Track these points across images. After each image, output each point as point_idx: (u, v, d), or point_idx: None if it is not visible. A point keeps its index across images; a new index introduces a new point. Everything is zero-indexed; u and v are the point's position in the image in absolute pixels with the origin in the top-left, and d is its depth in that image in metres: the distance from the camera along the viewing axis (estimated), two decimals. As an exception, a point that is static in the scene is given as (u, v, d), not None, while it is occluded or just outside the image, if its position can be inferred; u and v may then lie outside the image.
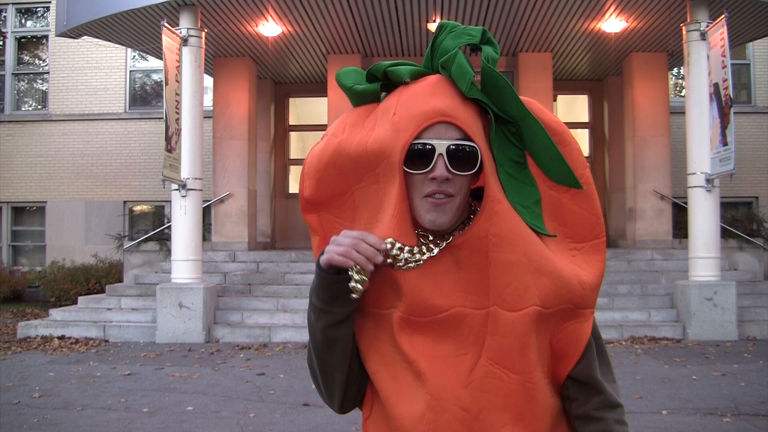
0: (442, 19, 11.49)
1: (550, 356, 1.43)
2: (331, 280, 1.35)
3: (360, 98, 1.50)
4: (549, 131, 1.44)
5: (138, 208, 16.88)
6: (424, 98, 1.38)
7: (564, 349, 1.42)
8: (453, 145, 1.35)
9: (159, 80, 16.19)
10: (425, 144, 1.35)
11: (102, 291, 12.62)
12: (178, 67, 10.16)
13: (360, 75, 1.50)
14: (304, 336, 9.84)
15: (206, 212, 12.58)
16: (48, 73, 17.19)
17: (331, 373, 1.45)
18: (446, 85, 1.40)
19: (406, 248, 1.36)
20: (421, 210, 1.38)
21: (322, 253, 1.35)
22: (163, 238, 13.35)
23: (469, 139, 1.36)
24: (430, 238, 1.41)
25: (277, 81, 15.74)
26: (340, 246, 1.32)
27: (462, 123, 1.36)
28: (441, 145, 1.35)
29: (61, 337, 10.22)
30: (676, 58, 13.33)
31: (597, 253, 1.48)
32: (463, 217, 1.42)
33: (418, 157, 1.36)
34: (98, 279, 13.59)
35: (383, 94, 1.49)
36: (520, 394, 1.37)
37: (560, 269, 1.39)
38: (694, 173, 9.95)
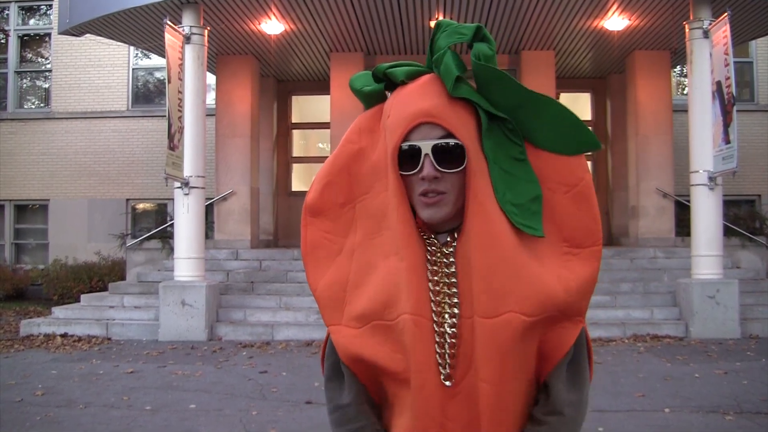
0: (444, 16, 11.50)
1: (537, 362, 1.41)
2: None
3: (368, 99, 1.53)
4: None
5: (141, 206, 16.89)
6: (412, 100, 1.39)
7: (547, 352, 1.41)
8: (437, 144, 1.36)
9: (162, 78, 16.19)
10: (411, 145, 1.37)
11: (105, 289, 12.63)
12: (181, 65, 10.16)
13: (368, 78, 1.53)
14: (306, 334, 9.85)
15: (209, 210, 12.57)
16: (50, 71, 17.20)
17: None
18: (435, 84, 1.40)
19: None
20: (418, 207, 1.41)
21: None
22: (166, 236, 13.37)
23: (454, 137, 1.36)
24: (437, 243, 1.43)
25: (280, 79, 15.74)
26: None
27: (446, 122, 1.36)
28: (426, 145, 1.36)
29: (64, 335, 10.24)
30: (678, 56, 13.31)
31: (593, 261, 1.43)
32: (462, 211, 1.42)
33: (408, 158, 1.38)
34: (101, 277, 13.60)
35: (388, 93, 1.51)
36: (497, 406, 1.36)
37: (539, 276, 1.36)
38: (697, 171, 9.93)
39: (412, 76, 1.44)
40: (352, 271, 1.45)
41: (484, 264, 1.35)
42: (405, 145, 1.37)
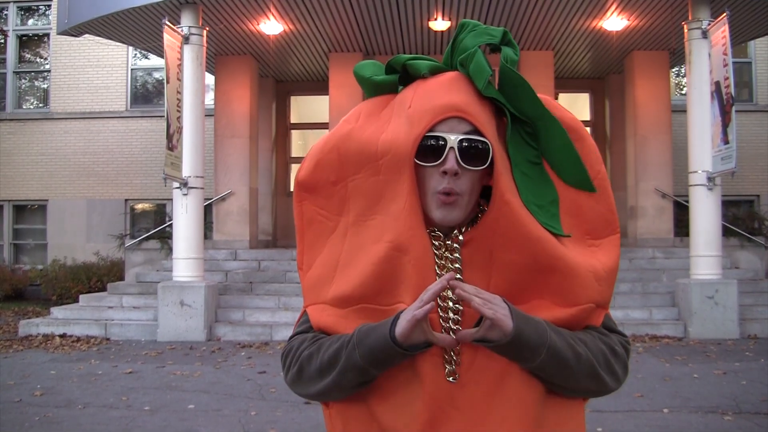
0: (443, 17, 11.50)
1: None
2: (407, 355, 1.33)
3: (378, 89, 1.53)
4: (564, 127, 1.45)
5: (139, 206, 16.89)
6: (440, 93, 1.39)
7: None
8: (464, 139, 1.36)
9: (160, 78, 16.19)
10: (437, 137, 1.37)
11: (103, 289, 12.63)
12: (180, 66, 10.16)
13: (378, 68, 1.53)
14: (305, 334, 9.83)
15: (208, 210, 12.57)
16: (49, 71, 17.19)
17: (330, 395, 1.46)
18: (463, 81, 1.41)
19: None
20: (431, 205, 1.39)
21: (395, 325, 1.31)
22: (165, 237, 13.37)
23: (481, 134, 1.36)
24: (442, 236, 1.42)
25: (279, 79, 15.74)
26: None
27: (475, 119, 1.37)
28: (452, 139, 1.36)
29: (63, 336, 10.23)
30: (677, 56, 13.31)
31: (613, 249, 1.47)
32: (472, 214, 1.43)
33: (429, 149, 1.37)
34: (100, 277, 13.60)
35: (400, 87, 1.51)
36: (521, 383, 1.36)
37: (574, 268, 1.38)
38: (696, 171, 9.94)
39: (435, 72, 1.45)
40: (343, 251, 1.45)
41: (514, 260, 1.37)
42: (429, 136, 1.37)
